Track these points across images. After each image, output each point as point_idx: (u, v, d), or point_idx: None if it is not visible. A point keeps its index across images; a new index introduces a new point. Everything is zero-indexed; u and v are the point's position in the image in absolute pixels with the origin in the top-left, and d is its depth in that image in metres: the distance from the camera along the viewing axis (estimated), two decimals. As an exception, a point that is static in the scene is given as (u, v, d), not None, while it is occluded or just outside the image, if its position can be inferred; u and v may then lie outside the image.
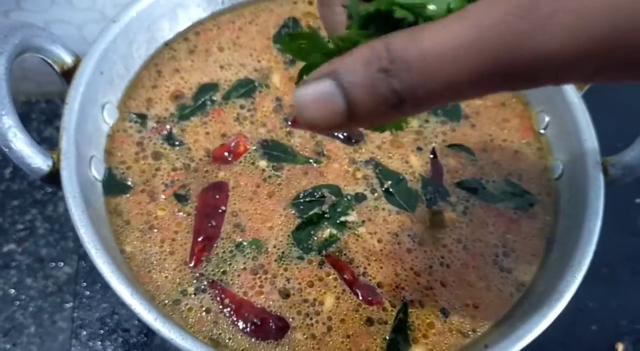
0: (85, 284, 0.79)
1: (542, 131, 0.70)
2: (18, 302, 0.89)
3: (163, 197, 0.61)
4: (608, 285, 0.87)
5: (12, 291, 0.90)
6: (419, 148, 0.68)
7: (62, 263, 0.92)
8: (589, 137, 0.64)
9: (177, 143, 0.65)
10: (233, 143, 0.65)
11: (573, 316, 0.83)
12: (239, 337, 0.55)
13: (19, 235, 0.94)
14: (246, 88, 0.69)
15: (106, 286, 0.78)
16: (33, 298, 0.90)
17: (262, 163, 0.64)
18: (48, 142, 1.02)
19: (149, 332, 0.76)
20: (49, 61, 0.60)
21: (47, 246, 0.94)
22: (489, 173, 0.68)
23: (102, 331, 0.76)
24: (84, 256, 0.80)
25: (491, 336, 0.56)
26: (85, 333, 0.76)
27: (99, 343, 0.76)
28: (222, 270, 0.58)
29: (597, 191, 0.61)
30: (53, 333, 0.87)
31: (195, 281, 0.57)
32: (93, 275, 0.79)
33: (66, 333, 0.87)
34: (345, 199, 0.63)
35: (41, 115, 1.04)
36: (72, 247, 0.93)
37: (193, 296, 0.56)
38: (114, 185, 0.61)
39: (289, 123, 0.67)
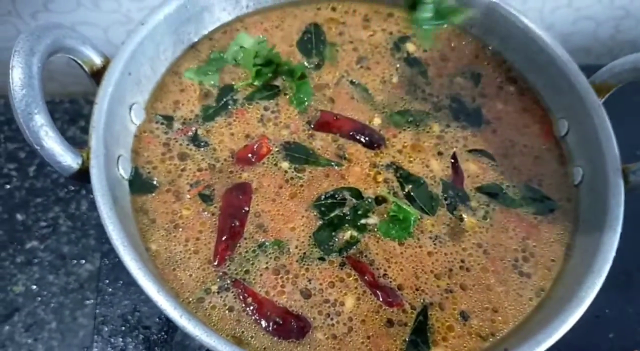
0: (107, 281, 0.80)
1: (562, 137, 0.71)
2: (40, 298, 0.91)
3: (188, 196, 0.62)
4: (625, 292, 0.87)
5: (34, 287, 0.92)
6: (440, 153, 0.69)
7: (83, 261, 0.94)
8: (610, 144, 0.65)
9: (202, 144, 0.66)
10: (256, 145, 0.66)
11: (590, 323, 0.82)
12: (261, 336, 0.56)
13: (42, 233, 0.96)
14: (271, 92, 0.70)
15: (128, 284, 0.80)
16: (55, 294, 0.92)
17: (285, 165, 0.65)
18: (71, 141, 1.02)
19: (169, 329, 0.77)
20: (79, 62, 0.61)
21: (69, 243, 0.96)
22: (510, 178, 0.68)
23: (123, 328, 0.78)
24: (107, 253, 0.82)
25: (510, 341, 0.57)
26: (107, 329, 0.77)
27: (120, 339, 0.77)
28: (245, 269, 0.59)
29: (618, 198, 0.62)
30: (74, 329, 0.89)
31: (219, 280, 0.58)
32: (115, 272, 0.80)
33: (87, 329, 0.88)
34: (366, 202, 0.64)
35: (65, 115, 1.06)
36: (93, 245, 0.95)
37: (216, 294, 0.57)
38: (140, 184, 0.62)
39: (312, 126, 0.68)
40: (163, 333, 0.77)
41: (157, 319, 0.78)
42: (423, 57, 0.76)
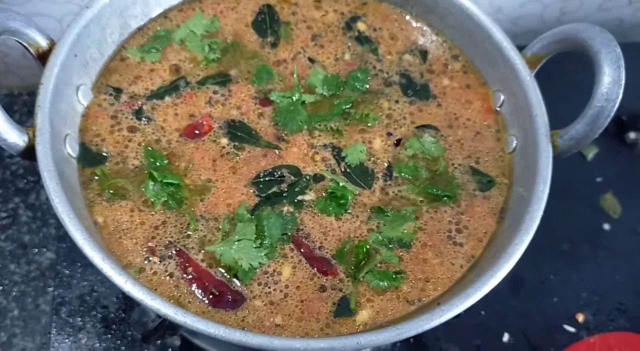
0: (65, 264, 0.82)
1: (498, 109, 0.74)
2: (1, 287, 0.92)
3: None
4: (569, 260, 0.90)
5: (-4, 276, 0.93)
6: (389, 134, 0.71)
7: (44, 249, 0.95)
8: (540, 113, 0.68)
9: (145, 118, 0.68)
10: (199, 123, 0.68)
11: (536, 289, 0.87)
12: (197, 303, 0.58)
13: (2, 223, 0.97)
14: (225, 78, 0.72)
15: (85, 266, 0.81)
16: (16, 283, 0.92)
17: (224, 141, 0.67)
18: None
19: (127, 308, 0.79)
20: (25, 44, 0.62)
21: (29, 233, 0.97)
22: (454, 151, 0.71)
23: (81, 308, 0.79)
24: (63, 237, 0.83)
25: (443, 297, 0.60)
26: (65, 309, 0.79)
27: (79, 318, 0.78)
28: (186, 235, 0.61)
29: (547, 161, 0.65)
30: (36, 316, 0.90)
31: (163, 248, 0.60)
32: (72, 254, 0.82)
33: (48, 315, 0.89)
34: (304, 179, 0.66)
35: (23, 107, 1.07)
36: (53, 234, 0.96)
37: (158, 263, 0.59)
38: (90, 158, 0.64)
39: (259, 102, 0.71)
40: (121, 311, 0.78)
41: (115, 298, 0.79)
42: (373, 36, 0.79)
